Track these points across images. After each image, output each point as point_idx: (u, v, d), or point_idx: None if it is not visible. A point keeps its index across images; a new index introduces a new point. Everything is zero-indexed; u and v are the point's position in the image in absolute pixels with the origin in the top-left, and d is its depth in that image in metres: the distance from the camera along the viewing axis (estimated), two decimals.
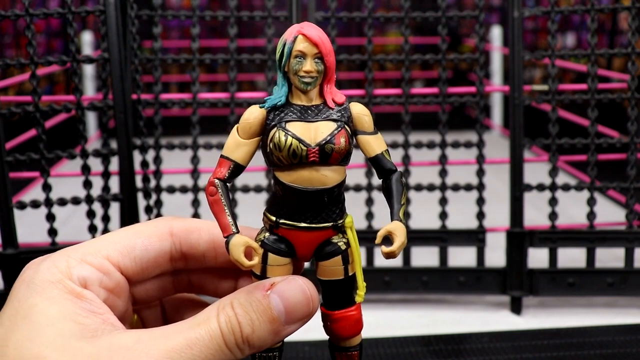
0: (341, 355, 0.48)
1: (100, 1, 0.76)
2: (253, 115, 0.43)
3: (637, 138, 0.80)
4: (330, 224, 0.44)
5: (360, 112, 0.45)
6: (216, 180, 0.43)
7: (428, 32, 2.38)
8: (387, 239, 0.43)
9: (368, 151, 0.45)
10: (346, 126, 0.43)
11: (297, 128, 0.42)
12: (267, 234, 0.45)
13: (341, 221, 0.45)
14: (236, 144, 0.44)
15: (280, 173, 0.43)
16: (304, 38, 0.43)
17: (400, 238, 0.43)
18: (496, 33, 2.04)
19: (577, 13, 0.80)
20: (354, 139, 0.45)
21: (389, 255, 0.43)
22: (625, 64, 0.80)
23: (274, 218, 0.44)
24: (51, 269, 0.41)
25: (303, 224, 0.44)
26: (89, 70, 1.93)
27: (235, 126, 0.44)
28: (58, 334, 0.38)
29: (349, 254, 0.45)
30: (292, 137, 0.42)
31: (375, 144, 0.45)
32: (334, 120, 0.43)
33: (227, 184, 0.44)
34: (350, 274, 0.46)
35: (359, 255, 0.46)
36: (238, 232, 0.43)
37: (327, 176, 0.43)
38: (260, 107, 0.43)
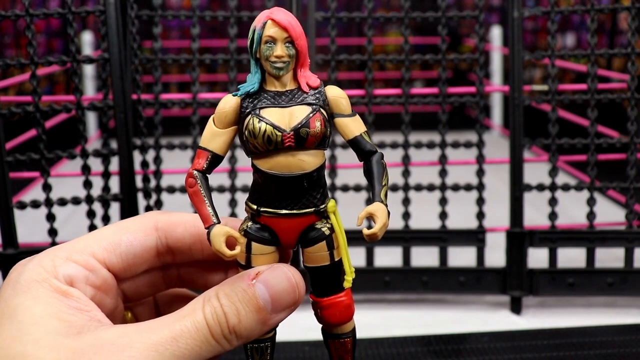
0: (334, 342, 0.47)
1: (100, 1, 0.76)
2: (228, 104, 0.43)
3: (637, 138, 0.80)
4: (312, 209, 0.44)
5: (336, 94, 0.44)
6: (195, 172, 0.43)
7: (428, 32, 2.37)
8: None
9: (346, 133, 0.44)
10: (322, 109, 0.43)
11: (271, 114, 0.42)
12: (250, 223, 0.44)
13: (323, 206, 0.44)
14: (212, 134, 0.44)
15: (258, 160, 0.43)
16: (273, 23, 0.42)
17: (381, 219, 0.42)
18: (496, 33, 2.04)
19: (577, 13, 0.80)
20: (332, 122, 0.44)
21: (370, 238, 0.42)
22: (625, 64, 0.80)
23: (254, 206, 0.44)
24: (37, 269, 0.41)
25: (284, 211, 0.43)
26: (89, 70, 1.93)
27: (212, 116, 0.44)
28: (43, 332, 0.38)
29: (333, 239, 0.45)
30: (266, 124, 0.42)
31: (354, 126, 0.44)
32: (309, 104, 0.43)
33: (207, 174, 0.44)
34: (336, 259, 0.45)
35: (344, 240, 0.45)
36: (219, 222, 0.42)
37: (304, 161, 0.43)
38: (234, 96, 0.43)
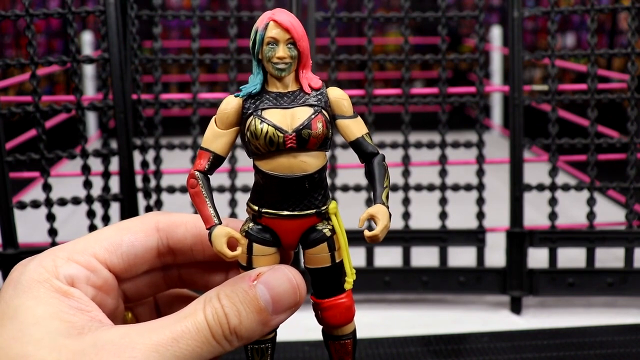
0: (334, 344, 0.47)
1: (100, 1, 0.76)
2: (229, 105, 0.43)
3: (637, 138, 0.80)
4: (313, 210, 0.44)
5: (338, 96, 0.44)
6: (196, 172, 0.43)
7: (428, 32, 2.38)
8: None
9: (348, 135, 0.44)
10: (323, 111, 0.43)
11: (273, 115, 0.42)
12: (251, 224, 0.44)
13: (325, 207, 0.44)
14: (214, 135, 0.44)
15: (260, 161, 0.43)
16: (275, 24, 0.42)
17: (383, 221, 0.42)
18: (496, 33, 2.04)
19: (577, 13, 0.80)
20: (333, 124, 0.44)
21: (372, 239, 0.42)
22: (625, 64, 0.80)
23: (256, 207, 0.44)
24: (38, 269, 0.41)
25: (285, 212, 0.43)
26: (89, 70, 1.93)
27: (213, 117, 0.44)
28: (44, 332, 0.38)
29: (334, 241, 0.45)
30: (268, 125, 0.42)
31: (355, 127, 0.44)
32: (311, 105, 0.43)
33: (208, 175, 0.44)
34: (337, 260, 0.45)
35: (346, 241, 0.45)
36: (220, 223, 0.42)
37: (306, 162, 0.43)
38: (236, 97, 0.43)
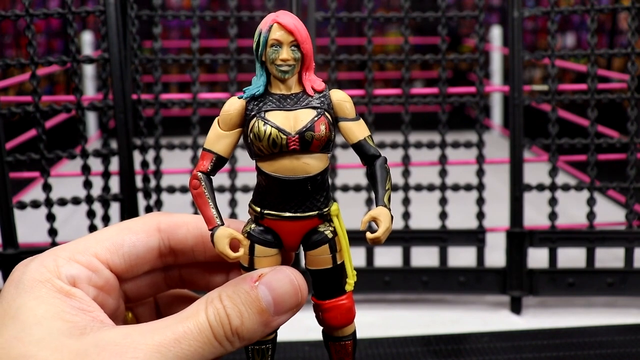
0: (335, 345, 0.47)
1: (100, 1, 0.76)
2: (233, 106, 0.43)
3: (636, 138, 0.80)
4: (315, 212, 0.44)
5: (340, 98, 0.44)
6: (199, 174, 0.43)
7: (428, 32, 2.38)
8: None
9: (350, 137, 0.45)
10: (326, 113, 0.43)
11: (276, 117, 0.42)
12: (253, 225, 0.44)
13: (327, 209, 0.44)
14: (217, 136, 0.44)
15: (263, 163, 0.43)
16: (279, 26, 0.42)
17: (385, 223, 0.42)
18: (496, 33, 2.04)
19: (577, 13, 0.80)
20: (336, 126, 0.45)
21: (373, 242, 0.42)
22: (625, 64, 0.80)
23: (258, 209, 0.44)
24: (39, 269, 0.41)
25: (287, 214, 0.43)
26: (89, 70, 1.93)
27: (216, 118, 0.44)
28: (46, 332, 0.38)
29: (336, 242, 0.45)
30: (272, 127, 0.42)
31: (357, 130, 0.45)
32: (314, 108, 0.43)
33: (211, 176, 0.44)
34: (338, 262, 0.45)
35: (347, 243, 0.45)
36: (223, 224, 0.42)
37: (309, 164, 0.43)
38: (240, 98, 0.44)
